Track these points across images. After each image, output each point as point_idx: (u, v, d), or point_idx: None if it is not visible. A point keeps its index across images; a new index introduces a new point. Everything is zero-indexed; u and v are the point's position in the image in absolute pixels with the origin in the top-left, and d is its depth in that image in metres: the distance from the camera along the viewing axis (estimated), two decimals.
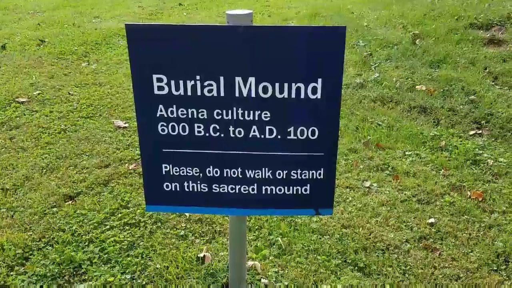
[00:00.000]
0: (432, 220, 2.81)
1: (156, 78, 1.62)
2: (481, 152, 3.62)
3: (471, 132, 3.92)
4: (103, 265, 2.42)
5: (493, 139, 3.80)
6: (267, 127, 1.69)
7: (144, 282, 2.31)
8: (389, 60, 5.12)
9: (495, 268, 2.43)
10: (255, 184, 1.78)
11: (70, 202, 2.99)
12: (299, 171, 1.82)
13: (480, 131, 3.92)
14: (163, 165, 1.74)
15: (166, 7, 9.50)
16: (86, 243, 2.58)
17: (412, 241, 2.63)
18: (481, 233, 2.71)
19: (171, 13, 8.82)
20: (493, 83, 4.46)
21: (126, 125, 4.08)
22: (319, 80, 1.67)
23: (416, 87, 4.54)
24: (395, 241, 2.61)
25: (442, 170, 3.37)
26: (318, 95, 1.69)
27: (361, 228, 2.72)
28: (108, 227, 2.71)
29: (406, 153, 3.63)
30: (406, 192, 3.11)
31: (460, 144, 3.73)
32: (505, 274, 2.39)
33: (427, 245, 2.59)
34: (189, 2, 10.06)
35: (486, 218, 2.84)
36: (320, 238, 2.63)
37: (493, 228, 2.76)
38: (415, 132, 3.91)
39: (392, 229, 2.73)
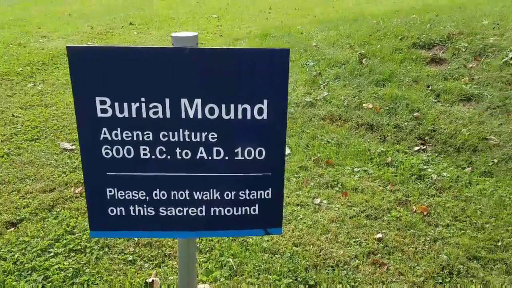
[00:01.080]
0: (379, 235, 2.88)
1: (99, 100, 1.58)
2: (425, 167, 3.76)
3: (416, 148, 4.06)
4: None
5: (436, 154, 3.95)
6: (214, 149, 1.69)
7: None
8: (337, 79, 5.26)
9: (440, 281, 2.51)
10: (203, 206, 1.76)
11: (12, 229, 2.86)
12: (247, 192, 1.82)
13: (424, 147, 4.07)
14: (108, 189, 1.69)
15: (116, 26, 9.37)
16: (29, 272, 2.46)
17: (361, 257, 2.67)
18: (427, 246, 2.80)
19: (121, 33, 8.71)
20: (435, 100, 4.66)
21: (73, 147, 3.97)
22: (265, 101, 1.69)
23: (363, 105, 4.67)
24: (345, 257, 2.65)
25: (389, 186, 3.47)
26: (264, 116, 1.72)
27: (311, 246, 2.74)
28: (52, 254, 2.60)
29: (355, 169, 3.71)
30: (354, 208, 3.17)
31: (406, 159, 3.85)
32: (449, 287, 2.47)
33: (375, 260, 2.64)
34: (140, 21, 9.98)
35: (431, 232, 2.94)
36: (271, 257, 2.64)
37: (437, 241, 2.85)
38: (363, 148, 4.02)
39: (341, 245, 2.77)
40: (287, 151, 3.97)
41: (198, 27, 9.57)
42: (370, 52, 5.73)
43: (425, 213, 3.14)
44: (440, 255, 2.71)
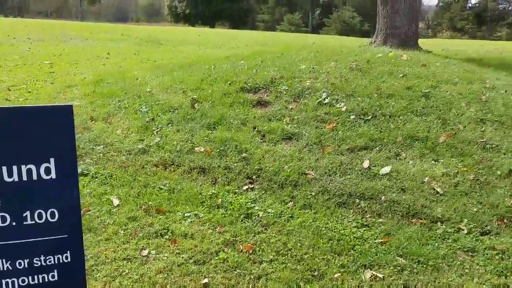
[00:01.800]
0: (206, 280, 2.90)
1: None
2: (253, 205, 3.94)
3: (245, 187, 4.25)
4: None
5: (263, 192, 4.18)
6: None
7: None
8: (171, 124, 5.31)
9: None
10: None
11: None
12: (42, 258, 1.71)
13: (252, 186, 4.28)
14: None
15: None
16: None
17: None
18: (251, 285, 2.89)
19: None
20: (261, 141, 4.96)
21: None
22: (52, 160, 1.63)
23: (195, 148, 4.77)
24: None
25: (218, 227, 3.55)
26: (53, 175, 1.65)
27: None
28: None
29: (186, 214, 3.73)
30: (183, 255, 3.17)
31: (235, 199, 4.00)
32: None
33: None
34: None
35: (255, 269, 3.06)
36: None
37: (261, 278, 2.97)
38: (195, 192, 4.07)
39: None
40: (116, 202, 3.84)
41: (28, 74, 8.93)
42: (202, 96, 5.92)
43: (250, 251, 3.26)
44: None
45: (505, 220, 3.79)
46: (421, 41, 26.52)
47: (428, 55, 8.55)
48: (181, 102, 5.82)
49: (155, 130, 5.20)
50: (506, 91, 6.22)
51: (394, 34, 15.11)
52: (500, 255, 3.36)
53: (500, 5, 60.36)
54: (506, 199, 4.01)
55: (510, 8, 59.85)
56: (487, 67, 8.44)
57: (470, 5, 62.47)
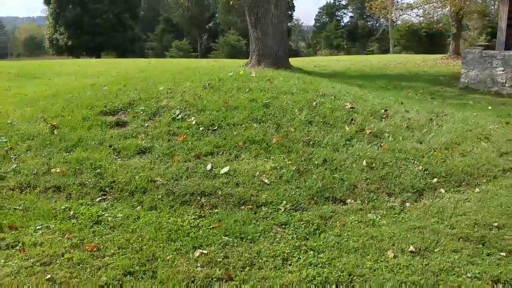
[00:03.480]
0: (49, 276, 3.31)
1: None
2: (103, 213, 4.39)
3: (98, 199, 4.68)
4: None
5: (115, 201, 4.65)
6: None
7: None
8: (29, 151, 5.57)
9: None
10: None
11: None
12: None
13: (105, 197, 4.73)
14: None
15: None
16: None
17: None
18: (91, 274, 3.35)
19: None
20: (116, 157, 5.43)
21: None
22: None
23: (52, 170, 5.10)
24: None
25: (67, 235, 3.95)
26: None
27: None
28: None
29: (37, 228, 4.07)
30: (31, 260, 3.54)
31: (87, 210, 4.42)
32: None
33: None
34: None
35: (97, 262, 3.52)
36: None
37: (101, 268, 3.44)
38: (49, 208, 4.43)
39: None
40: None
41: None
42: (62, 123, 6.25)
43: (94, 250, 3.72)
44: (101, 278, 3.31)
45: (314, 198, 4.65)
46: (297, 59, 28.52)
47: (279, 71, 9.61)
48: (40, 130, 6.09)
49: (12, 157, 5.44)
50: (334, 97, 7.33)
51: (265, 55, 16.39)
52: (305, 225, 4.17)
53: (369, 23, 66.45)
54: (318, 182, 4.90)
55: (377, 25, 66.05)
56: (329, 78, 9.69)
57: (342, 24, 68.08)
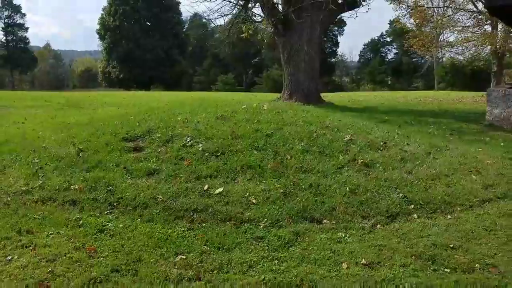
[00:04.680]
0: (51, 269, 3.99)
1: None
2: (108, 223, 5.08)
3: (106, 212, 5.40)
4: None
5: (120, 214, 5.34)
6: None
7: None
8: (56, 170, 6.41)
9: None
10: None
11: None
12: None
13: (112, 210, 5.44)
14: None
15: None
16: None
17: None
18: (84, 270, 4.01)
19: None
20: (128, 177, 6.17)
21: None
22: None
23: (71, 187, 5.89)
24: None
25: (73, 239, 4.65)
26: None
27: None
28: None
29: (50, 233, 4.81)
30: (38, 257, 4.23)
31: (95, 220, 5.13)
32: None
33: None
34: None
35: (91, 261, 4.18)
36: None
37: (94, 266, 4.10)
38: (63, 218, 5.17)
39: None
40: None
41: None
42: (87, 147, 7.10)
43: (92, 251, 4.39)
44: (92, 273, 3.96)
45: (293, 217, 5.17)
46: (335, 94, 28.99)
47: (292, 105, 10.23)
48: (68, 152, 6.96)
49: (41, 175, 6.29)
50: (337, 129, 7.86)
51: (297, 89, 17.16)
52: (278, 239, 4.70)
53: (414, 59, 66.22)
54: (300, 204, 5.42)
55: (422, 61, 65.69)
56: (358, 112, 10.19)
57: (387, 60, 68.31)
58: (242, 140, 7.13)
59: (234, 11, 18.36)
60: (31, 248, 4.47)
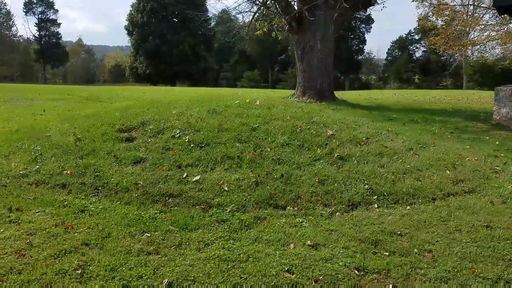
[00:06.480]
0: (29, 241, 4.51)
1: None
2: (90, 205, 5.58)
3: (91, 195, 5.91)
4: None
5: (103, 197, 5.84)
6: None
7: None
8: (53, 157, 6.98)
9: None
10: None
11: None
12: None
13: (97, 193, 5.95)
14: None
15: None
16: None
17: None
18: (59, 243, 4.51)
19: None
20: (116, 164, 6.67)
21: None
22: None
23: (63, 172, 6.44)
24: None
25: (55, 217, 5.15)
26: None
27: None
28: None
29: (36, 211, 5.34)
30: (21, 231, 4.76)
31: (79, 202, 5.63)
32: None
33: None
34: None
35: (67, 236, 4.67)
36: None
37: (68, 240, 4.59)
38: (51, 199, 5.70)
39: None
40: None
41: None
42: (85, 136, 7.66)
43: (69, 227, 4.89)
44: (64, 245, 4.45)
45: (259, 204, 5.56)
46: (353, 92, 29.03)
47: (291, 101, 10.52)
48: (68, 141, 7.53)
49: (39, 161, 6.86)
50: (323, 125, 8.18)
51: (310, 86, 17.41)
52: (240, 222, 5.11)
53: (442, 57, 65.12)
54: (268, 191, 5.80)
55: (451, 60, 64.55)
56: (367, 110, 10.52)
57: (414, 58, 67.39)
58: (227, 132, 7.55)
59: (254, 8, 18.75)
60: (16, 223, 5.01)
